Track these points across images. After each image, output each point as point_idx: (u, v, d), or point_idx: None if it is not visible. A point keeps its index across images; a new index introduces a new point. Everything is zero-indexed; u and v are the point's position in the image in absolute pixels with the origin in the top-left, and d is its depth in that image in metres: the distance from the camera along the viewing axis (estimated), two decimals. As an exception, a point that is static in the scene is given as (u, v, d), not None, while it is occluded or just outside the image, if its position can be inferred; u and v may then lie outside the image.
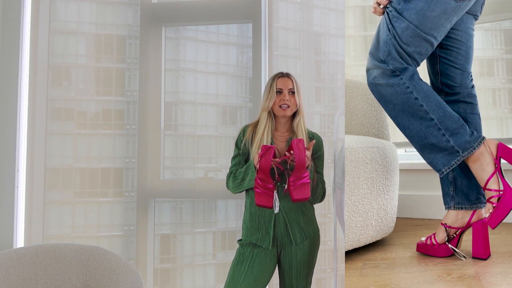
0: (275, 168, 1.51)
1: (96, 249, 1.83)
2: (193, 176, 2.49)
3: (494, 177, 1.69)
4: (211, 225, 2.47)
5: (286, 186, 1.51)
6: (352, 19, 2.93)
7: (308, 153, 1.49)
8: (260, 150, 1.48)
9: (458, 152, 1.72)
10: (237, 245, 1.63)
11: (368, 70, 1.84)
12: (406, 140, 1.81)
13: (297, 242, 1.58)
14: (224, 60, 2.53)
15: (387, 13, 1.78)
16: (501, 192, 1.66)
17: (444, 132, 1.72)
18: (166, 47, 2.50)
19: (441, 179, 1.92)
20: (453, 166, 1.74)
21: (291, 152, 1.47)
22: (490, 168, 1.70)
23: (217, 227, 2.48)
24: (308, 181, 1.48)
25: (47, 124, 2.39)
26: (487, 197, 1.72)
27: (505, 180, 1.69)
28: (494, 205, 1.67)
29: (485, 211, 1.77)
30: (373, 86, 1.82)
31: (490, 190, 1.69)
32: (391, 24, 1.75)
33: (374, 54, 1.80)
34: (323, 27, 2.54)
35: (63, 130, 2.45)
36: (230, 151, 2.38)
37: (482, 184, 1.72)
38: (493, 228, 1.66)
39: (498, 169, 1.70)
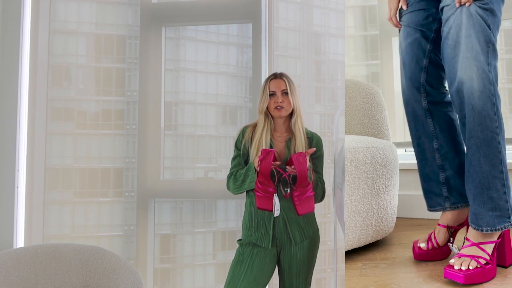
0: (275, 171, 1.52)
1: (96, 249, 1.83)
2: (193, 176, 2.49)
3: (493, 245, 1.61)
4: (211, 225, 2.47)
5: (287, 191, 1.54)
6: (352, 19, 2.93)
7: (308, 161, 1.51)
8: (260, 153, 1.49)
9: (509, 218, 1.56)
10: (237, 245, 1.63)
11: (461, 82, 1.51)
12: (406, 140, 1.77)
13: (297, 242, 1.58)
14: (224, 60, 2.53)
15: (478, 6, 1.49)
16: (489, 259, 1.57)
17: (506, 190, 1.54)
18: (166, 47, 2.50)
19: (426, 180, 1.84)
20: (497, 231, 1.57)
21: (293, 167, 1.49)
22: (496, 237, 1.62)
23: (217, 227, 2.48)
24: (312, 193, 1.53)
25: (47, 124, 2.39)
26: (464, 244, 1.63)
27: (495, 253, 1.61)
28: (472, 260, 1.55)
29: (456, 263, 1.58)
30: (463, 105, 1.50)
31: (484, 246, 1.57)
32: (489, 20, 1.47)
33: (475, 59, 1.47)
34: (323, 27, 2.54)
35: (63, 130, 2.44)
36: (230, 151, 2.38)
37: (476, 239, 1.60)
38: (463, 283, 1.53)
39: (497, 242, 1.62)
